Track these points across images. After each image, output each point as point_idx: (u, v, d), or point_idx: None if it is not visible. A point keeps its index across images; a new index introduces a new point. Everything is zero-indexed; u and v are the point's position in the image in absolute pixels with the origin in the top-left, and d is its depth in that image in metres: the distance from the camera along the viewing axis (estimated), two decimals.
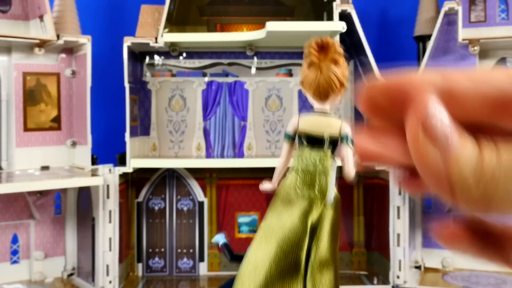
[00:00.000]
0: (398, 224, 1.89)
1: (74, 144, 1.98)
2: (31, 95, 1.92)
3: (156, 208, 2.06)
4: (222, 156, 2.06)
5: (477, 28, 1.96)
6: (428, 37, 2.00)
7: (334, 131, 0.95)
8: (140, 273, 2.04)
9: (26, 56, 1.90)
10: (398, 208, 1.89)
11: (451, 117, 0.23)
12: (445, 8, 1.90)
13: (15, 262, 1.93)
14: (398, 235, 1.89)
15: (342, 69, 1.00)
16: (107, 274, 1.81)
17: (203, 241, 2.05)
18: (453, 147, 0.22)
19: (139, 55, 2.06)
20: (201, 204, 2.05)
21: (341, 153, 0.95)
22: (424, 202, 2.09)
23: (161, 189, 2.06)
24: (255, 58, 2.10)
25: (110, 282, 1.81)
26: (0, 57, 1.88)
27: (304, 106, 2.09)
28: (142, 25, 1.97)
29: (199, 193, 2.05)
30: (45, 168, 1.92)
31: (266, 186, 1.14)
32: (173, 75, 2.10)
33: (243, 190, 2.07)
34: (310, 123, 0.97)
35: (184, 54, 2.11)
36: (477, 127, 0.24)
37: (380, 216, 2.02)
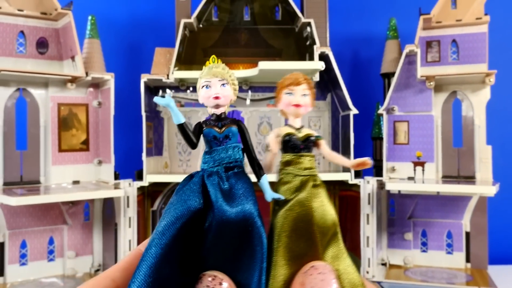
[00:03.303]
0: (368, 228, 1.96)
1: (100, 162, 2.05)
2: (65, 122, 1.99)
3: None
4: None
5: (433, 66, 2.08)
6: (392, 74, 2.09)
7: None
8: None
9: (60, 90, 1.98)
10: (368, 215, 1.96)
11: None
12: (406, 50, 2.00)
13: (51, 260, 2.00)
14: (368, 237, 1.96)
15: None
16: None
17: None
18: None
19: (153, 89, 2.13)
20: None
21: None
22: (389, 210, 2.16)
23: None
24: (250, 92, 2.17)
25: None
26: (39, 91, 1.96)
27: None
28: (156, 65, 2.04)
29: None
30: (76, 182, 2.00)
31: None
32: (181, 106, 2.15)
33: None
34: None
35: (191, 88, 2.17)
36: None
37: (352, 222, 2.06)
